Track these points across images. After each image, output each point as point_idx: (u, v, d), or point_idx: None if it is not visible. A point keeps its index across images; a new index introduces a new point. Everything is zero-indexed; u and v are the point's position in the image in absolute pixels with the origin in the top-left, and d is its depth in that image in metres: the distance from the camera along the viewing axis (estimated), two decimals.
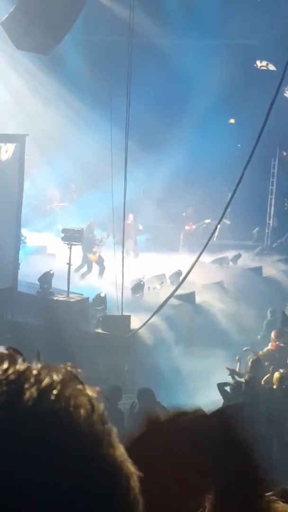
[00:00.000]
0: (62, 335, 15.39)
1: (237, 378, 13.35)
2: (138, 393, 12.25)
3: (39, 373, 0.80)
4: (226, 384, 12.74)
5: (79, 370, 0.85)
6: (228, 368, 13.89)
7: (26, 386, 0.78)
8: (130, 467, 0.81)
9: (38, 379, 0.79)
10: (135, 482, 0.81)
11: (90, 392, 0.82)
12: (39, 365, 0.82)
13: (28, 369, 0.80)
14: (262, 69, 27.42)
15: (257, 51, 26.48)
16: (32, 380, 0.79)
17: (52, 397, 0.78)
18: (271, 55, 25.61)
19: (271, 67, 26.88)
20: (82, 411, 0.78)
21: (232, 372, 13.75)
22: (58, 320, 16.09)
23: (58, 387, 0.79)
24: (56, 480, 0.74)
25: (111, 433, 0.81)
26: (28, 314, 16.35)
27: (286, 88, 25.28)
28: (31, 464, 0.74)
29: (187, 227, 25.17)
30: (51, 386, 0.79)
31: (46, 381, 0.79)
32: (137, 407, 12.13)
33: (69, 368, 0.83)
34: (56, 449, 0.75)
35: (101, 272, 20.80)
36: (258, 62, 27.50)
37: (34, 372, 0.80)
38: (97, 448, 0.78)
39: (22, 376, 0.79)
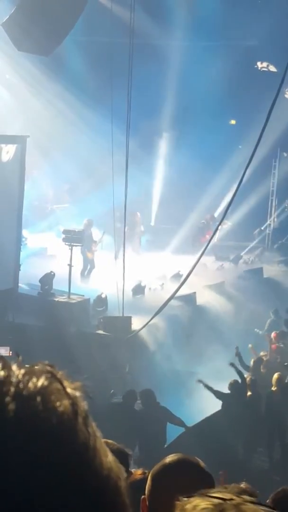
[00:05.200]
0: (63, 336, 15.39)
1: (241, 368, 13.43)
2: (140, 394, 12.28)
3: (19, 381, 0.78)
4: (219, 393, 12.72)
5: (57, 368, 0.82)
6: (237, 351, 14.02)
7: (7, 399, 0.76)
8: (118, 470, 0.80)
9: (19, 388, 0.77)
10: (122, 486, 0.80)
11: (71, 391, 0.80)
12: (21, 370, 0.79)
13: (8, 376, 0.78)
14: (263, 70, 27.43)
15: (257, 52, 26.49)
16: (13, 390, 0.77)
17: (34, 406, 0.76)
18: (271, 56, 25.62)
19: (272, 68, 26.89)
20: (65, 417, 0.76)
21: (239, 356, 13.86)
22: (59, 321, 16.09)
23: (40, 393, 0.77)
24: (42, 491, 0.73)
25: (96, 436, 0.79)
26: (29, 315, 16.35)
27: (286, 89, 25.27)
28: (16, 476, 0.72)
29: (207, 235, 24.39)
30: (32, 394, 0.77)
31: (27, 388, 0.77)
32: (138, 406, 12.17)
33: (48, 369, 0.81)
34: (41, 461, 0.74)
35: (89, 271, 20.84)
36: (258, 63, 27.52)
37: (14, 380, 0.78)
38: (83, 454, 0.76)
39: (3, 384, 0.77)
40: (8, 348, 12.97)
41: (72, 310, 16.90)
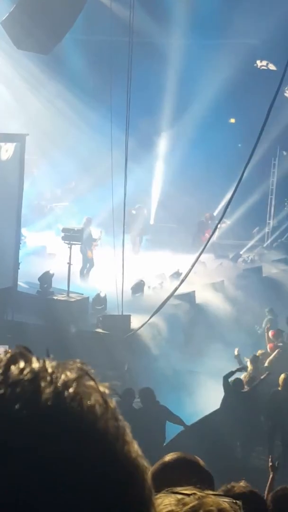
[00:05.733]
0: (62, 334, 15.39)
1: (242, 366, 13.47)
2: (139, 393, 12.29)
3: (53, 372, 0.81)
4: (231, 373, 12.74)
5: (90, 367, 0.86)
6: (237, 352, 14.08)
7: (43, 385, 0.79)
8: (144, 462, 0.84)
9: (54, 378, 0.80)
10: (148, 476, 0.83)
11: (101, 388, 0.83)
12: (53, 363, 0.82)
13: (43, 367, 0.81)
14: (263, 69, 27.43)
15: (257, 50, 26.49)
16: (48, 378, 0.80)
17: (69, 396, 0.79)
18: (271, 55, 25.63)
19: (272, 67, 26.90)
20: (97, 408, 0.80)
21: (239, 357, 13.91)
22: (58, 319, 16.10)
23: (74, 385, 0.80)
24: (79, 477, 0.76)
25: (125, 429, 0.83)
26: (28, 313, 16.36)
27: (286, 88, 25.28)
28: (55, 462, 0.75)
29: (207, 234, 24.42)
30: (66, 384, 0.80)
31: (61, 379, 0.80)
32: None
33: (80, 365, 0.84)
34: (77, 448, 0.77)
35: (89, 270, 20.85)
36: (258, 62, 27.52)
37: (49, 370, 0.81)
38: (114, 444, 0.80)
39: (38, 375, 0.80)
40: (7, 346, 12.96)
41: (71, 308, 16.91)
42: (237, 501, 1.20)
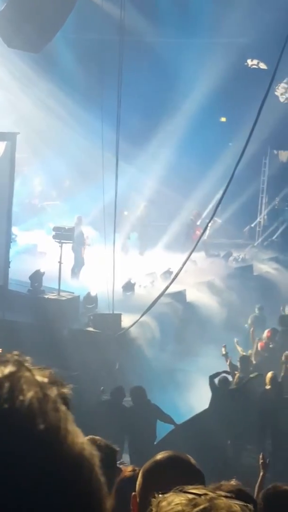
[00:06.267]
0: (53, 333, 15.38)
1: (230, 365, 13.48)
2: (130, 391, 12.28)
3: None
4: (217, 374, 12.75)
5: (27, 357, 0.85)
6: (224, 351, 14.07)
7: None
8: (91, 451, 0.82)
9: None
10: (96, 465, 0.82)
11: (39, 379, 0.82)
12: None
13: None
14: (253, 68, 27.46)
15: (248, 49, 26.52)
16: None
17: (5, 392, 0.78)
18: (262, 54, 25.67)
19: (262, 66, 26.93)
20: (34, 403, 0.79)
21: (226, 355, 13.90)
22: (49, 318, 16.07)
23: (7, 383, 0.79)
24: (15, 479, 0.75)
25: (67, 418, 0.81)
26: (19, 312, 16.33)
27: (277, 87, 25.32)
28: None
29: (197, 232, 24.34)
30: (1, 381, 0.79)
31: None
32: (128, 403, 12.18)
33: (16, 358, 0.83)
34: (14, 444, 0.76)
35: (80, 268, 20.83)
36: (249, 61, 27.54)
37: None
38: (55, 439, 0.78)
39: None
40: None
41: (62, 307, 16.88)
42: (248, 505, 1.20)
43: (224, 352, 14.39)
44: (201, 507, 1.10)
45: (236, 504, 1.14)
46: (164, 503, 1.13)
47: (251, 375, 13.15)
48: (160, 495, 1.15)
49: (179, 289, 18.94)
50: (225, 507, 1.11)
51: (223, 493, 1.16)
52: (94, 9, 19.71)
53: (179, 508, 1.11)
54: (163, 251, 23.34)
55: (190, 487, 1.18)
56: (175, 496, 1.14)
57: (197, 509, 1.09)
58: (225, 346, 14.52)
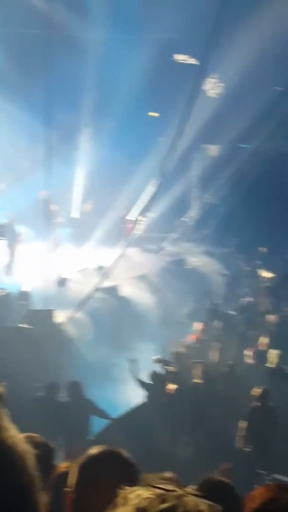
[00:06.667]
0: None
1: (167, 367, 13.51)
2: (67, 386, 12.26)
3: None
4: (142, 382, 12.78)
5: None
6: (155, 359, 14.00)
7: None
8: (24, 446, 0.84)
9: None
10: (30, 460, 0.84)
11: None
12: None
13: None
14: (182, 63, 27.58)
15: (177, 45, 26.64)
16: None
17: None
18: (190, 49, 25.82)
19: (192, 61, 27.07)
20: None
21: (160, 361, 13.87)
22: None
23: None
24: None
25: (0, 415, 0.83)
26: None
27: (205, 82, 25.51)
28: None
29: (129, 226, 24.14)
30: None
31: None
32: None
33: None
34: None
35: (13, 265, 20.66)
36: (176, 56, 27.65)
37: None
38: None
39: None
40: None
41: None
42: (215, 504, 1.22)
43: (155, 360, 14.34)
44: (169, 503, 1.11)
45: (203, 502, 1.16)
46: (132, 495, 1.14)
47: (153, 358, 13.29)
48: (127, 488, 1.16)
49: (113, 284, 18.98)
50: (193, 505, 1.13)
51: (191, 491, 1.18)
52: (20, 2, 19.48)
53: (147, 502, 1.12)
54: (96, 246, 23.31)
55: (158, 482, 1.20)
56: (143, 490, 1.15)
57: (165, 505, 1.11)
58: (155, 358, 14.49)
